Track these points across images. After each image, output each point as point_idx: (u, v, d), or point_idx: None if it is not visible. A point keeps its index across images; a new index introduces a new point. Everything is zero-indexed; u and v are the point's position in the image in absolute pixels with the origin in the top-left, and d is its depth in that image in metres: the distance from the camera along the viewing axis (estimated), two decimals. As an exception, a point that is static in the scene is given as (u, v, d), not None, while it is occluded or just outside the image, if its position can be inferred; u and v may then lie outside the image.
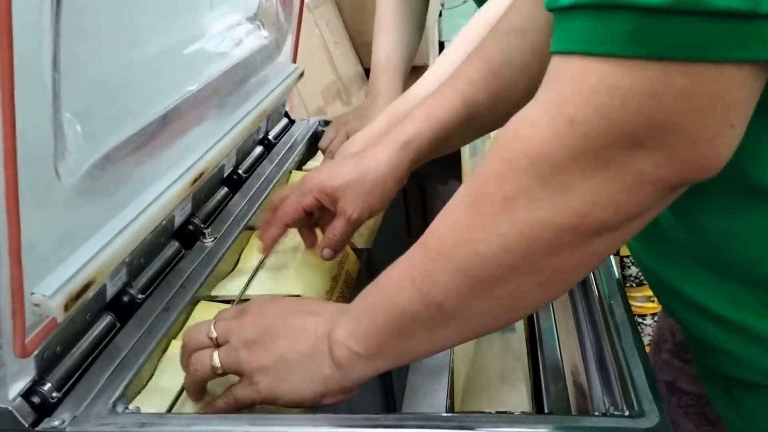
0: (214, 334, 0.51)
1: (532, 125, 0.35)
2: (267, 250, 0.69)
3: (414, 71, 2.09)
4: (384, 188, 0.64)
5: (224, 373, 0.50)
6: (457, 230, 0.39)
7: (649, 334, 1.29)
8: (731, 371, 0.50)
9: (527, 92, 0.53)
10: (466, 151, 1.03)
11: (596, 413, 0.49)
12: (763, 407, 0.50)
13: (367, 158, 0.64)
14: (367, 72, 2.03)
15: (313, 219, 0.68)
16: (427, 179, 1.18)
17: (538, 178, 0.34)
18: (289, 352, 0.47)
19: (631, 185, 0.33)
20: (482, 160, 0.41)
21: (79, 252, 0.53)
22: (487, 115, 0.62)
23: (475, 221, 0.38)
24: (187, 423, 0.48)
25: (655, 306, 1.28)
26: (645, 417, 0.44)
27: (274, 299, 0.53)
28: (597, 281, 0.61)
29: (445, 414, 0.47)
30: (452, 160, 1.12)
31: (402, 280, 0.42)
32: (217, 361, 0.49)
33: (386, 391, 0.88)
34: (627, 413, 0.46)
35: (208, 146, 0.74)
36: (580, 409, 0.50)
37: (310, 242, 0.70)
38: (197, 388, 0.52)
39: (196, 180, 0.70)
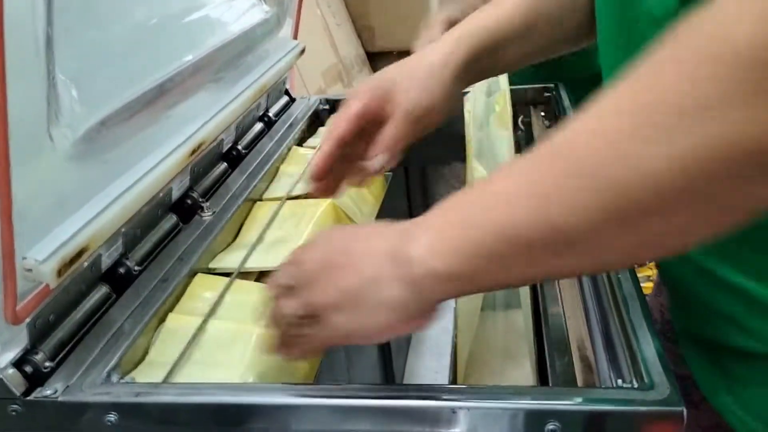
0: (282, 281, 0.44)
1: (735, 13, 0.27)
2: (319, 175, 0.55)
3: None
4: (442, 78, 0.54)
5: (306, 317, 0.42)
6: (611, 141, 0.30)
7: None
8: (730, 339, 0.47)
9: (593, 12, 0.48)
10: (470, 130, 1.01)
11: (603, 386, 0.48)
12: (758, 379, 0.47)
13: (416, 55, 0.57)
14: (368, 55, 2.02)
15: (361, 147, 0.55)
16: (430, 161, 1.17)
17: (744, 82, 0.27)
18: (355, 281, 0.40)
19: None
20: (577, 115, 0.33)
21: (74, 218, 0.52)
22: (548, 29, 0.57)
23: (641, 132, 0.29)
24: (182, 393, 0.47)
25: (651, 286, 1.26)
26: (655, 389, 0.43)
27: (339, 228, 0.45)
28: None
29: (446, 385, 0.45)
30: (455, 142, 1.10)
31: (515, 195, 0.34)
32: (287, 310, 0.42)
33: (386, 371, 0.87)
34: (636, 385, 0.45)
35: (206, 118, 0.73)
36: (587, 383, 0.48)
37: (355, 179, 0.57)
38: (285, 341, 0.44)
39: (194, 151, 0.68)
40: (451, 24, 0.81)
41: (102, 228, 0.54)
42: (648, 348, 0.46)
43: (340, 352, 0.66)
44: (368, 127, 0.55)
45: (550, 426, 0.42)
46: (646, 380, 0.44)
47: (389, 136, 0.54)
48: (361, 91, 0.54)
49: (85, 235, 0.51)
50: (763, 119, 0.27)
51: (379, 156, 0.54)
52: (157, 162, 0.63)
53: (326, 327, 0.41)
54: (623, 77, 0.31)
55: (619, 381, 0.46)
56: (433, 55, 0.55)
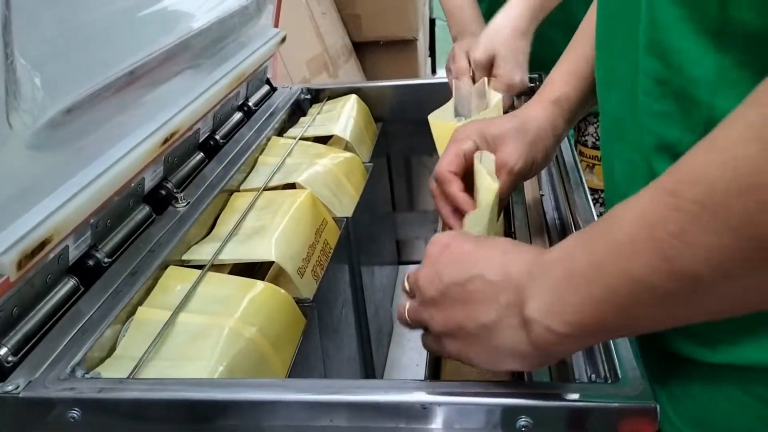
0: (407, 287, 0.45)
1: None
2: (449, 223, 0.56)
3: (400, 45, 2.06)
4: (546, 141, 0.58)
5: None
6: (739, 172, 0.27)
7: None
8: (672, 344, 0.44)
9: None
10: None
11: (576, 382, 0.47)
12: (695, 385, 0.44)
13: (521, 113, 0.59)
14: (354, 45, 2.00)
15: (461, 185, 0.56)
16: (413, 151, 1.16)
17: None
18: (469, 323, 0.39)
19: None
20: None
21: (36, 209, 0.50)
22: None
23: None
24: (147, 389, 0.46)
25: None
26: (628, 385, 0.42)
27: (447, 248, 0.43)
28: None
29: (419, 380, 0.44)
30: (438, 132, 1.09)
31: (636, 240, 0.31)
32: (406, 316, 0.44)
33: (366, 364, 0.86)
34: (609, 381, 0.44)
35: (180, 106, 0.71)
36: (561, 378, 0.47)
37: (454, 186, 0.55)
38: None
39: (166, 140, 0.67)
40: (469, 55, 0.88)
41: (67, 219, 0.52)
42: (622, 344, 0.45)
43: (316, 344, 0.65)
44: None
45: (521, 422, 0.42)
46: (619, 376, 0.43)
47: (500, 185, 0.55)
48: (473, 133, 0.56)
49: (48, 226, 0.50)
50: None
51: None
52: (126, 151, 0.62)
53: (440, 346, 0.42)
54: (747, 100, 0.28)
55: (593, 376, 0.45)
56: (538, 118, 0.58)
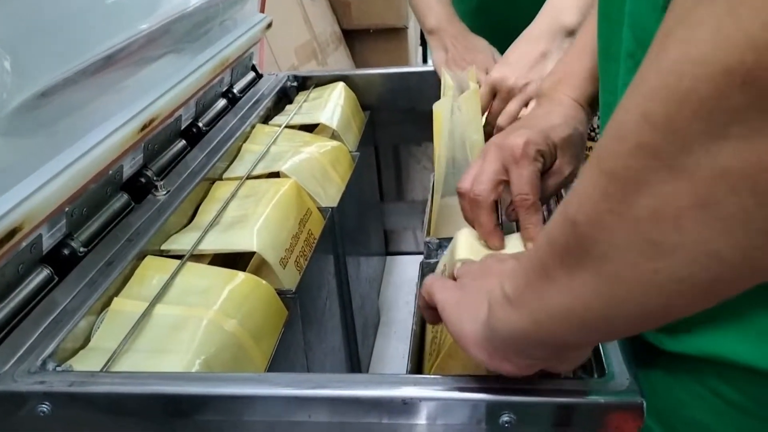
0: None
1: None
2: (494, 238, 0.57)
3: (391, 33, 2.04)
4: (584, 143, 0.59)
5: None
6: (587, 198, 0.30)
7: None
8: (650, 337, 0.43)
9: None
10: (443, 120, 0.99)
11: (563, 376, 0.46)
12: (657, 375, 0.43)
13: (566, 114, 0.59)
14: (344, 32, 1.97)
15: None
16: (402, 140, 1.14)
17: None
18: (466, 297, 0.42)
19: None
20: None
21: (6, 195, 0.49)
22: None
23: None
24: (119, 382, 0.44)
25: None
26: (615, 380, 0.41)
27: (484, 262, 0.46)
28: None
29: (401, 375, 0.43)
30: (427, 121, 1.08)
31: (548, 229, 0.33)
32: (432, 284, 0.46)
33: (351, 355, 0.85)
34: (595, 376, 0.43)
35: (160, 92, 0.69)
36: (545, 373, 0.46)
37: (537, 218, 0.56)
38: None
39: (145, 127, 0.65)
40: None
41: (39, 206, 0.50)
42: (608, 337, 0.44)
43: (298, 337, 0.63)
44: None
45: (504, 417, 0.41)
46: (605, 371, 0.42)
47: (550, 191, 0.58)
48: (541, 133, 0.56)
49: (19, 214, 0.48)
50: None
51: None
52: (103, 137, 0.60)
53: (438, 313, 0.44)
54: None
55: (578, 371, 0.44)
56: (582, 125, 0.59)
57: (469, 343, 0.40)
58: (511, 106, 0.75)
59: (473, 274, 0.44)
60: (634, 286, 0.29)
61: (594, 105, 0.61)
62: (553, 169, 0.57)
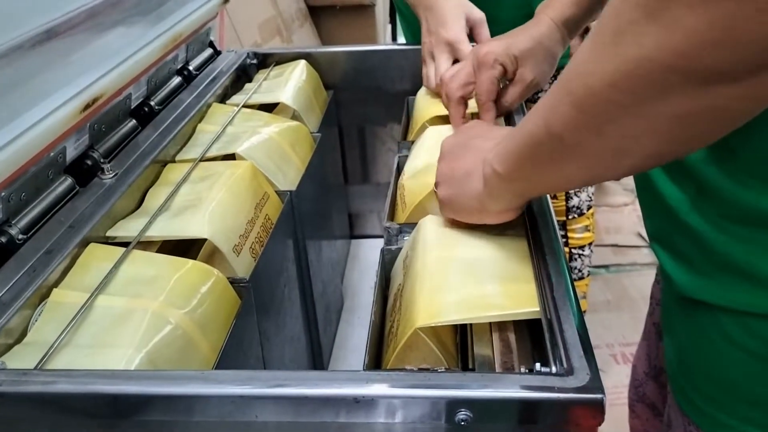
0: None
1: None
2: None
3: (358, 10, 2.00)
4: (554, 56, 0.71)
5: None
6: (577, 63, 0.38)
7: (588, 265, 1.27)
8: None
9: None
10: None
11: (523, 370, 0.45)
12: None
13: (533, 30, 0.70)
14: (310, 9, 1.92)
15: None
16: (367, 120, 1.11)
17: (645, 10, 0.32)
18: (457, 169, 0.54)
19: (747, 18, 0.29)
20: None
21: (-73, 181, 0.45)
22: None
23: (590, 55, 0.37)
24: (52, 381, 0.42)
25: (590, 236, 1.26)
26: (574, 375, 0.40)
27: (470, 124, 0.63)
28: (529, 226, 0.56)
29: (353, 371, 0.41)
30: (393, 101, 1.05)
31: (537, 108, 0.43)
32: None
33: (312, 342, 0.83)
34: (554, 371, 0.41)
35: (105, 69, 0.65)
36: (506, 367, 0.45)
37: (490, 116, 0.71)
38: None
39: (88, 106, 0.61)
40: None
41: (-35, 192, 0.47)
42: (569, 331, 0.42)
43: (253, 327, 0.61)
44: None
45: (460, 415, 0.39)
46: (565, 365, 0.40)
47: (512, 99, 0.72)
48: (501, 56, 0.69)
49: (-58, 201, 0.44)
50: (657, 45, 0.32)
51: (501, 119, 0.73)
52: (41, 117, 0.56)
53: (438, 192, 0.56)
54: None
55: (538, 365, 0.42)
56: (550, 36, 0.70)
57: (470, 216, 0.54)
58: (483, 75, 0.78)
59: (456, 152, 0.56)
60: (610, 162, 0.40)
61: (570, 26, 0.71)
62: (516, 77, 0.70)
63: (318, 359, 0.84)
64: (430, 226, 0.58)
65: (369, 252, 1.16)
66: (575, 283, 1.28)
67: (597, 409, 0.39)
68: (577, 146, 0.40)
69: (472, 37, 0.85)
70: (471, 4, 0.85)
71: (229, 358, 0.54)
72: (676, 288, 0.49)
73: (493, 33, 0.82)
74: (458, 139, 0.57)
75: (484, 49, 0.70)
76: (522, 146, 0.45)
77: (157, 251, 0.62)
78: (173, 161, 0.75)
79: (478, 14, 0.85)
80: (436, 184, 0.57)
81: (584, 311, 1.41)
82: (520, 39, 0.70)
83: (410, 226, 0.63)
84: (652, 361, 0.72)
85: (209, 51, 0.99)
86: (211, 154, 0.74)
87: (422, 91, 0.89)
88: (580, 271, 1.27)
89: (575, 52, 0.40)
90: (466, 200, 0.53)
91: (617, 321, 1.69)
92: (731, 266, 0.44)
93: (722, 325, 0.46)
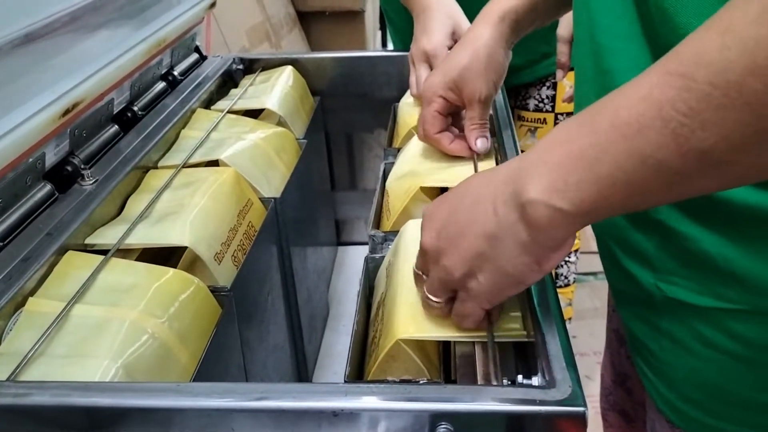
0: (419, 272, 0.46)
1: None
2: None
3: (348, 16, 2.00)
4: (498, 60, 0.64)
5: (451, 297, 0.44)
6: (750, 52, 0.28)
7: (574, 272, 1.27)
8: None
9: None
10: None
11: (505, 382, 0.44)
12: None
13: (470, 39, 0.64)
14: (299, 15, 1.92)
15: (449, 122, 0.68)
16: (354, 127, 1.11)
17: None
18: (477, 243, 0.40)
19: None
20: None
21: None
22: None
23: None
24: (24, 393, 0.41)
25: (576, 243, 1.26)
26: (556, 388, 0.39)
27: (443, 198, 0.44)
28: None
29: (332, 384, 0.40)
30: (380, 108, 1.04)
31: (644, 120, 0.32)
32: (429, 296, 0.44)
33: (297, 351, 0.82)
34: (536, 383, 0.41)
35: (87, 74, 0.64)
36: (486, 378, 0.44)
37: (458, 147, 0.66)
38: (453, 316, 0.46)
39: (67, 112, 0.60)
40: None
41: (-62, 199, 0.46)
42: (552, 342, 0.42)
43: (234, 336, 0.60)
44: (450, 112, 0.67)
45: (441, 428, 0.38)
46: (547, 377, 0.40)
47: (474, 120, 0.65)
48: (438, 90, 0.65)
49: None
50: None
51: (480, 140, 0.65)
52: (19, 122, 0.55)
53: (473, 296, 0.42)
54: None
55: (520, 377, 0.42)
56: (487, 41, 0.64)
57: (527, 278, 0.40)
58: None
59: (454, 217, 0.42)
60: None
61: (510, 18, 0.64)
62: (466, 98, 0.64)
63: (302, 368, 0.83)
64: (412, 233, 0.57)
65: (356, 259, 1.15)
66: (561, 291, 1.29)
67: (579, 422, 0.38)
68: (735, 161, 0.31)
69: None
70: (463, 16, 0.84)
71: (209, 367, 0.54)
72: (643, 291, 0.46)
73: None
74: (448, 202, 0.44)
75: (426, 83, 0.66)
76: (619, 173, 0.34)
77: (137, 259, 0.61)
78: (156, 167, 0.74)
79: (467, 26, 0.84)
80: (462, 284, 0.42)
81: (569, 318, 1.40)
82: (456, 59, 0.64)
83: (395, 234, 0.62)
84: (617, 368, 0.72)
85: (195, 56, 0.98)
86: (194, 160, 0.74)
87: (408, 98, 0.89)
88: (566, 278, 1.27)
89: (710, 42, 0.30)
90: (511, 268, 0.40)
91: (604, 328, 1.69)
92: (701, 261, 0.42)
93: (696, 328, 0.44)
